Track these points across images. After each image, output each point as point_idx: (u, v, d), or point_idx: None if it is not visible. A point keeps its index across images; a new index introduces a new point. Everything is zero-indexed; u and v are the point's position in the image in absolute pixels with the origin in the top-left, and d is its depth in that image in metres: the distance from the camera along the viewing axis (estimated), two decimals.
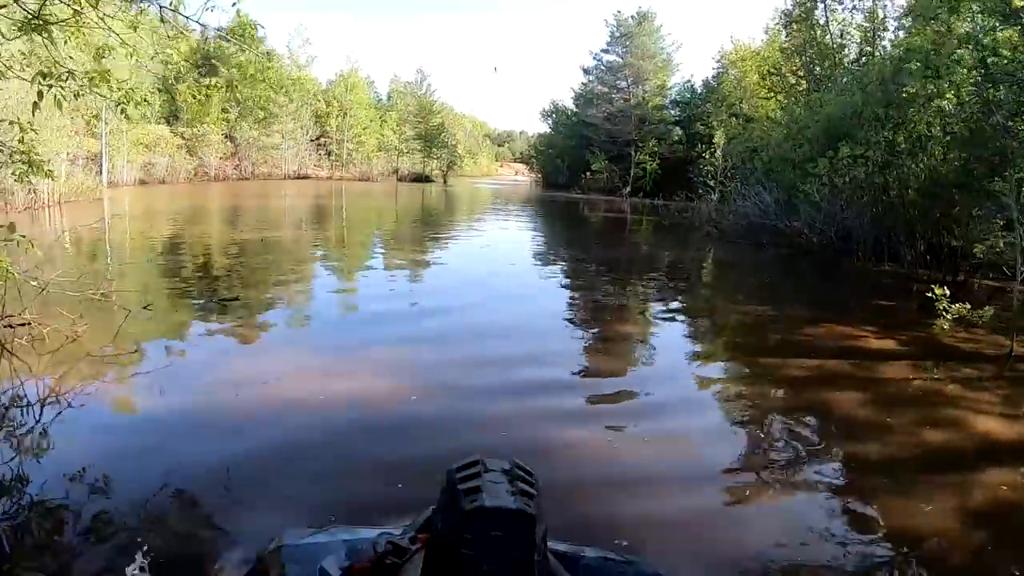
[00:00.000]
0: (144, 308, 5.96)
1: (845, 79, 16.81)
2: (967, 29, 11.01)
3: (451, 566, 0.83)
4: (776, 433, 4.42)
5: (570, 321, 7.68)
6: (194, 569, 2.64)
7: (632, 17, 38.37)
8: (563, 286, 10.04)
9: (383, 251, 13.02)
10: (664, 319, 8.08)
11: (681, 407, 4.90)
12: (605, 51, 39.81)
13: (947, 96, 10.38)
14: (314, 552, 1.27)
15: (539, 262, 12.49)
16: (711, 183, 28.56)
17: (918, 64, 10.73)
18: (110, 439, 3.72)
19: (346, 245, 13.36)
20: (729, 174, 28.42)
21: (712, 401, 5.15)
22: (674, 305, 9.03)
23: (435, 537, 0.90)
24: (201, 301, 7.21)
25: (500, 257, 12.40)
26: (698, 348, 7.00)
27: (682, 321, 8.13)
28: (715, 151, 29.38)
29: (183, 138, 31.23)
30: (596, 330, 7.31)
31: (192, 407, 4.20)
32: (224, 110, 34.05)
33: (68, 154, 18.49)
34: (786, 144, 15.68)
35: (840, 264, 12.78)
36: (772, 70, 27.97)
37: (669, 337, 7.24)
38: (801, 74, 25.34)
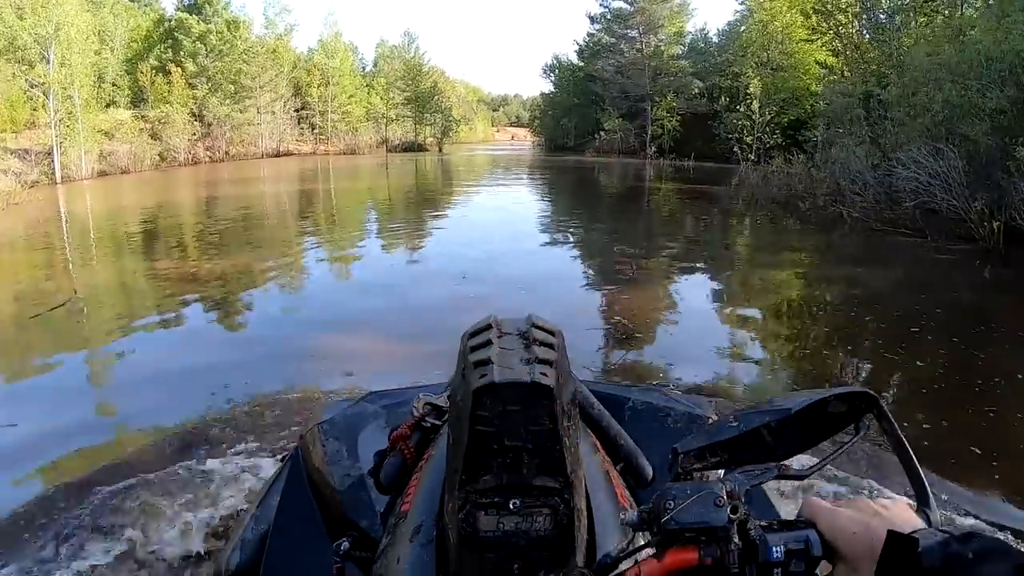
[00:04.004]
0: None
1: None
2: None
3: (471, 442, 0.74)
4: None
5: None
6: None
7: None
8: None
9: (389, 257, 9.85)
10: None
11: None
12: None
13: None
14: (352, 424, 1.37)
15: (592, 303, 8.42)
16: (748, 140, 25.38)
17: None
18: None
19: (343, 248, 10.22)
20: (768, 129, 25.23)
21: None
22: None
23: (453, 410, 0.83)
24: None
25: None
26: None
27: None
28: (751, 103, 26.03)
29: (145, 120, 27.65)
30: None
31: None
32: (191, 86, 30.27)
33: None
34: (955, 86, 11.16)
35: None
36: (818, 6, 24.03)
37: None
38: (856, 10, 21.28)
